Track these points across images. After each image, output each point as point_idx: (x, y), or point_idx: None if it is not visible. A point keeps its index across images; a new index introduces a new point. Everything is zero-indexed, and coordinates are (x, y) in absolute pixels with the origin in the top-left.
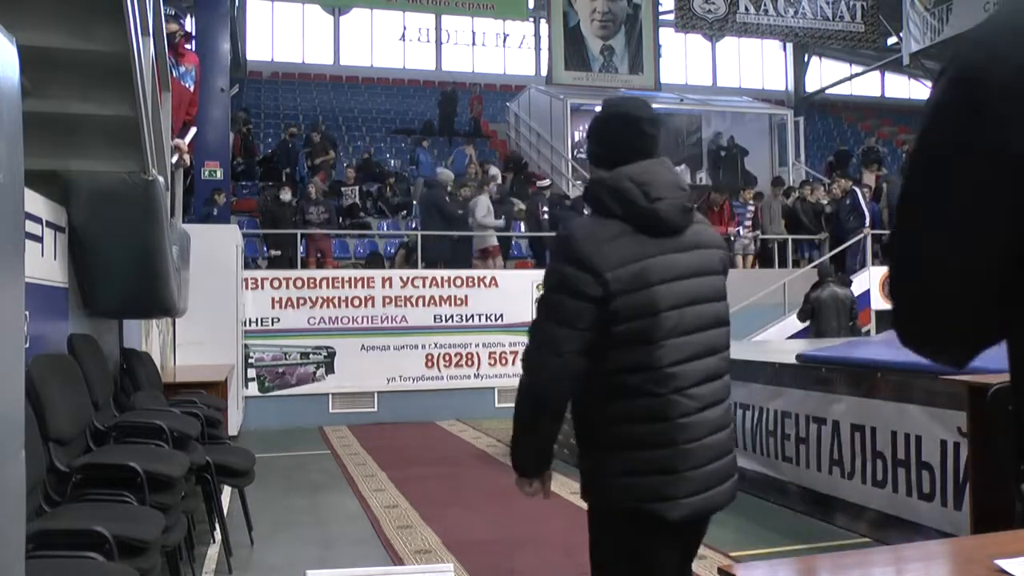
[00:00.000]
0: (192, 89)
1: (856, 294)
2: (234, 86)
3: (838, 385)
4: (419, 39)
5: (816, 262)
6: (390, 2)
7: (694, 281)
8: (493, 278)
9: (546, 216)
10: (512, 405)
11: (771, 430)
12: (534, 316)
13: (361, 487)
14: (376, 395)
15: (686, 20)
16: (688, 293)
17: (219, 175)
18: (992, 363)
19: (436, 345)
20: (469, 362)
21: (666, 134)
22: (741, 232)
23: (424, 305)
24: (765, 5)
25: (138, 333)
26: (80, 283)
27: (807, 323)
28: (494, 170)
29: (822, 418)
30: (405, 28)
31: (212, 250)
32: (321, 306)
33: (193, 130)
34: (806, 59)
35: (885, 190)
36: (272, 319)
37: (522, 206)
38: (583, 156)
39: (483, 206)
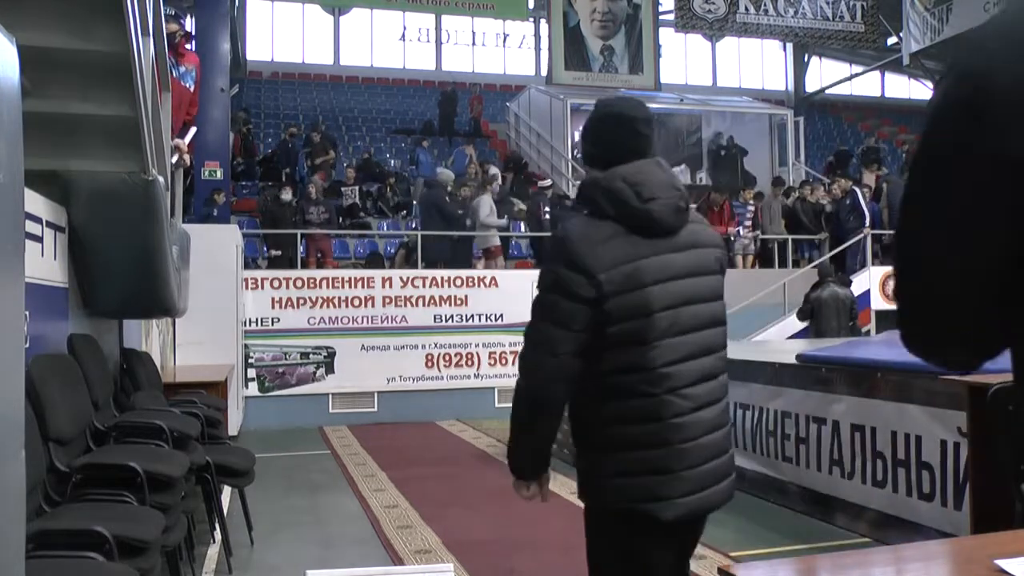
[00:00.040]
0: (192, 89)
1: (856, 294)
2: (234, 86)
3: (838, 385)
4: (419, 39)
5: (816, 262)
6: (390, 2)
7: (689, 281)
8: (493, 278)
9: (547, 216)
10: None
11: (771, 430)
12: (530, 317)
13: (361, 487)
14: (376, 395)
15: (686, 20)
16: (683, 293)
17: (219, 175)
18: (992, 363)
19: (436, 345)
20: (469, 362)
21: (666, 134)
22: (741, 232)
23: (424, 305)
24: (765, 5)
25: (138, 333)
26: (80, 283)
27: (807, 323)
28: (494, 170)
29: (822, 418)
30: (405, 28)
31: (212, 250)
32: (321, 306)
33: (193, 130)
34: (806, 59)
35: (885, 190)
36: (272, 319)
37: (522, 206)
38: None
39: (486, 206)
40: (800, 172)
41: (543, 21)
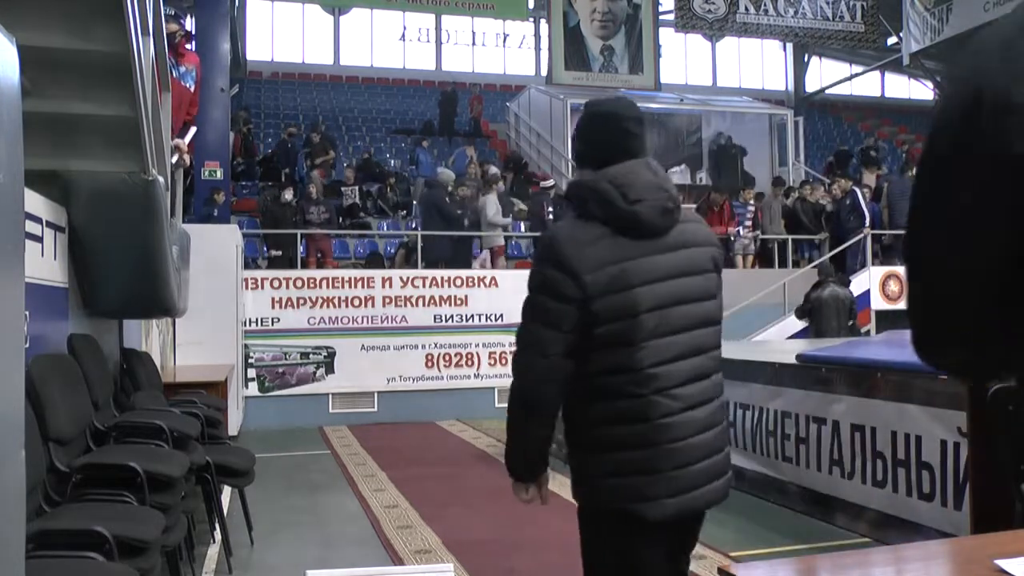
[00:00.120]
0: (192, 89)
1: (856, 294)
2: (234, 86)
3: (838, 385)
4: (419, 39)
5: (816, 262)
6: (390, 2)
7: (679, 281)
8: (493, 278)
9: (551, 216)
10: None
11: (771, 430)
12: (520, 319)
13: (361, 487)
14: (376, 395)
15: (686, 20)
16: (672, 294)
17: (219, 175)
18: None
19: (436, 345)
20: (469, 362)
21: (666, 134)
22: (741, 232)
23: (424, 305)
24: (765, 5)
25: (138, 333)
26: (80, 283)
27: (805, 321)
28: (494, 170)
29: (822, 418)
30: (405, 28)
31: (212, 250)
32: (321, 306)
33: (193, 130)
34: (806, 59)
35: (885, 190)
36: (272, 319)
37: (522, 206)
38: None
39: (493, 205)
40: (800, 172)
41: (543, 21)
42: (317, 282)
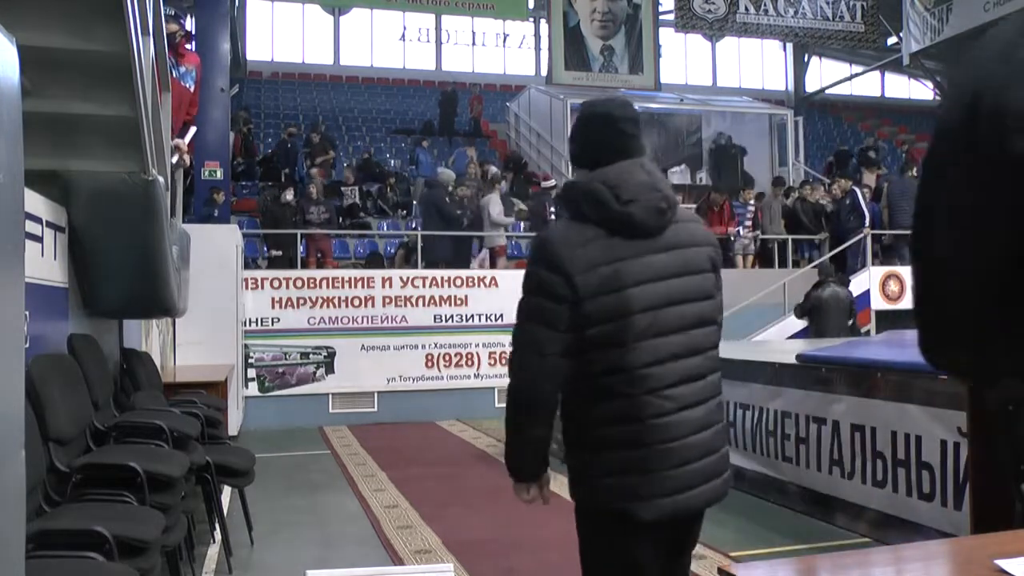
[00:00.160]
0: (192, 89)
1: (856, 294)
2: (234, 86)
3: (838, 385)
4: (419, 39)
5: (816, 262)
6: (390, 2)
7: (674, 282)
8: (493, 278)
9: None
10: None
11: (771, 430)
12: (515, 319)
13: (361, 487)
14: (376, 395)
15: (686, 20)
16: (666, 294)
17: (219, 175)
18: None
19: (436, 345)
20: (469, 362)
21: (666, 134)
22: (741, 232)
23: (424, 305)
24: (765, 5)
25: (138, 333)
26: (80, 283)
27: (804, 320)
28: (494, 170)
29: (822, 418)
30: (405, 28)
31: (212, 250)
32: (321, 306)
33: (193, 129)
34: (806, 59)
35: (885, 190)
36: (272, 319)
37: (522, 206)
38: None
39: (497, 205)
40: (800, 172)
41: (543, 21)
42: (317, 282)
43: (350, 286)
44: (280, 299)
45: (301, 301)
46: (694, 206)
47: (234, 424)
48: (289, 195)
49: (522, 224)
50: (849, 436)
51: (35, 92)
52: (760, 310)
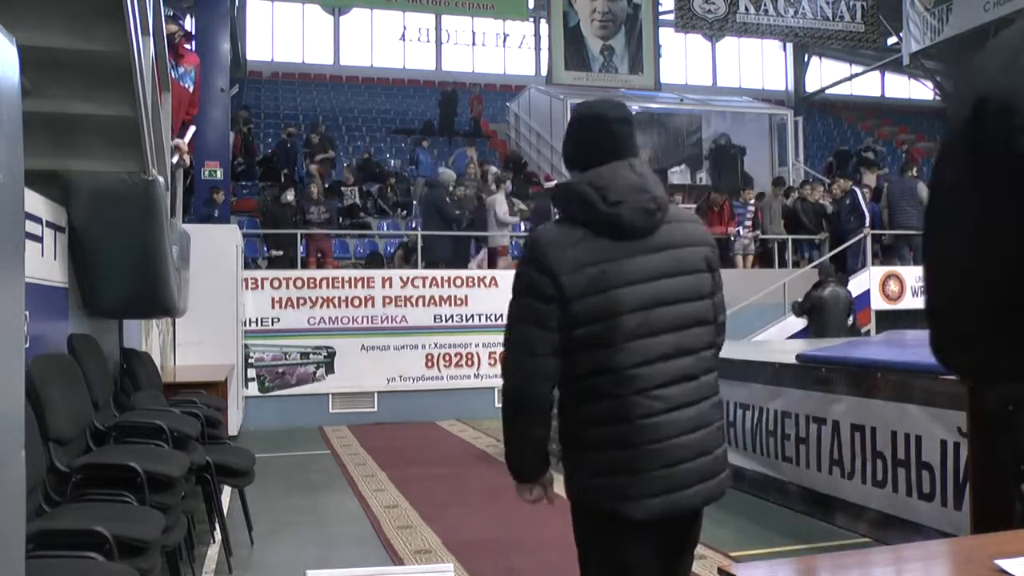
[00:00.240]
0: (192, 90)
1: (856, 294)
2: (234, 86)
3: (838, 385)
4: (419, 39)
5: (816, 262)
6: (390, 2)
7: (665, 282)
8: (493, 278)
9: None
10: None
11: (771, 430)
12: (507, 320)
13: (361, 487)
14: (376, 395)
15: (686, 20)
16: (657, 295)
17: (219, 175)
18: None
19: (436, 345)
20: (469, 362)
21: (666, 134)
22: (741, 232)
23: (424, 305)
24: (765, 5)
25: (138, 333)
26: (80, 283)
27: (803, 319)
28: (494, 170)
29: (822, 418)
30: (405, 28)
31: (212, 250)
32: (321, 306)
33: (192, 129)
34: (806, 59)
35: (885, 190)
36: (272, 319)
37: (523, 206)
38: None
39: (502, 204)
40: (800, 172)
41: (543, 21)
42: (317, 282)
43: (350, 286)
44: (280, 299)
45: (301, 301)
46: (694, 206)
47: (234, 424)
48: (289, 195)
49: (522, 225)
50: (849, 436)
51: (35, 92)
52: (760, 310)
